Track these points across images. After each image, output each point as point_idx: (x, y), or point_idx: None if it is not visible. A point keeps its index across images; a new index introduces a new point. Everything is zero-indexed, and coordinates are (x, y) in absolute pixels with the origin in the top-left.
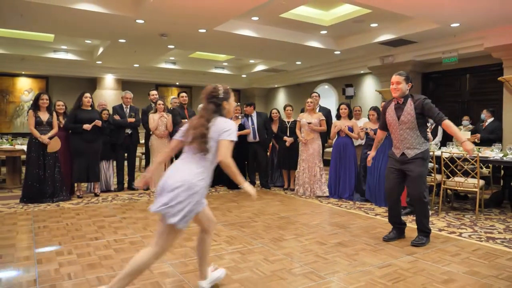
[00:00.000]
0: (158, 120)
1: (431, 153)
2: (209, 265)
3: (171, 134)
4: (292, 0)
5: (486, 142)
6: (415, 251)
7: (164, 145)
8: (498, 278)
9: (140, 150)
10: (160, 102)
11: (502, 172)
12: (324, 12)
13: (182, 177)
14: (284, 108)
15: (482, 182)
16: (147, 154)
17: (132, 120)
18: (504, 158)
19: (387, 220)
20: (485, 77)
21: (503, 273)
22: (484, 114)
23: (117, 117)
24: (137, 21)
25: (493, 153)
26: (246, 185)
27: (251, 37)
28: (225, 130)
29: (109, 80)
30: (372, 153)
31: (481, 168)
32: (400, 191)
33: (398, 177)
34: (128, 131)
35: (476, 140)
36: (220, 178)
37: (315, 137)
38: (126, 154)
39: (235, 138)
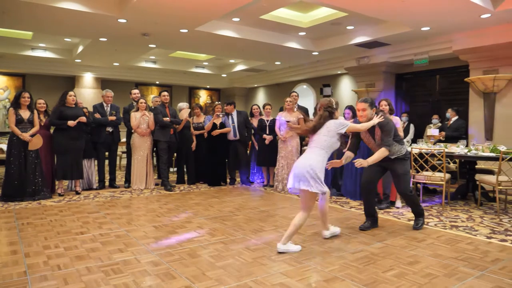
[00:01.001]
0: (140, 118)
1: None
2: (329, 227)
3: (152, 132)
4: (273, 2)
5: (451, 139)
6: (385, 238)
7: (146, 143)
8: (458, 259)
9: (120, 149)
10: (142, 100)
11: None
12: (303, 14)
13: (310, 163)
14: (264, 107)
15: (448, 175)
16: (129, 152)
17: (113, 118)
18: (468, 153)
19: (361, 212)
20: (453, 78)
21: (462, 255)
22: (449, 113)
23: (97, 115)
24: (119, 20)
25: (458, 149)
26: (368, 124)
27: (232, 38)
28: (342, 125)
29: (88, 78)
30: (337, 162)
31: (449, 163)
32: (375, 185)
33: (378, 171)
34: (109, 129)
35: (441, 138)
36: (201, 175)
37: (293, 135)
38: (107, 153)
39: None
